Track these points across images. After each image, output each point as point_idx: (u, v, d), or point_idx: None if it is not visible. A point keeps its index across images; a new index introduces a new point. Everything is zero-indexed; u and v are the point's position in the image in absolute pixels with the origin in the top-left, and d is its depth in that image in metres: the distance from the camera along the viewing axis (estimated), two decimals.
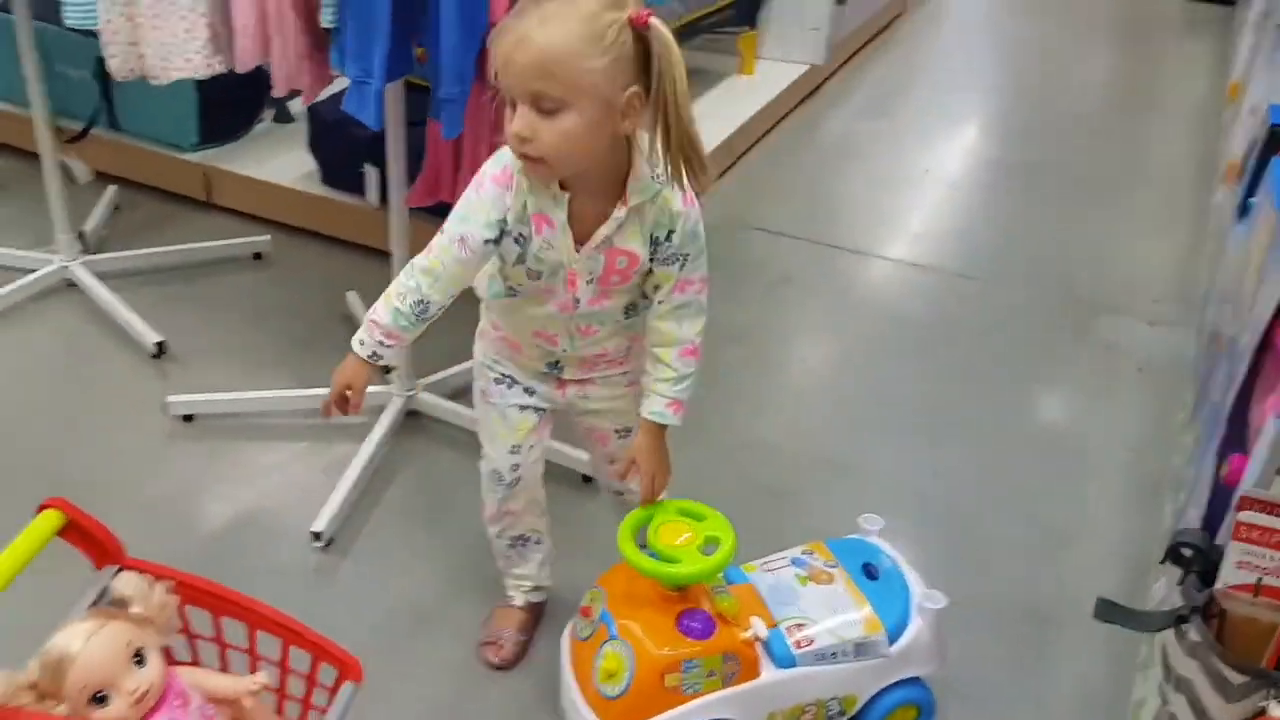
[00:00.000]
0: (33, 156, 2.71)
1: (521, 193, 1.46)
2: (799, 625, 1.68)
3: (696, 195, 1.47)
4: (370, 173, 2.89)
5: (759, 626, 1.64)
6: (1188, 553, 1.28)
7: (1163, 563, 1.29)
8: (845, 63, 4.47)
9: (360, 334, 1.57)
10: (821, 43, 4.06)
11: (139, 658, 1.30)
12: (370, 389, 2.34)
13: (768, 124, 3.83)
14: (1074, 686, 1.91)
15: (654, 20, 1.32)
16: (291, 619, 1.44)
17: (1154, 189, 3.78)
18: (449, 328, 2.62)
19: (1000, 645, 1.97)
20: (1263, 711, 1.18)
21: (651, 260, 1.51)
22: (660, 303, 1.56)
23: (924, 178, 3.64)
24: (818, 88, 4.23)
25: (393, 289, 1.54)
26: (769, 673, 1.64)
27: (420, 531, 2.14)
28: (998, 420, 2.54)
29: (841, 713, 1.71)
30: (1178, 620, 1.24)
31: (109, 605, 1.36)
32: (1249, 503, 1.21)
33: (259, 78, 3.21)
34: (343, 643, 1.42)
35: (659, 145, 1.37)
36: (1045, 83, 4.57)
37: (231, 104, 3.22)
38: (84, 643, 1.26)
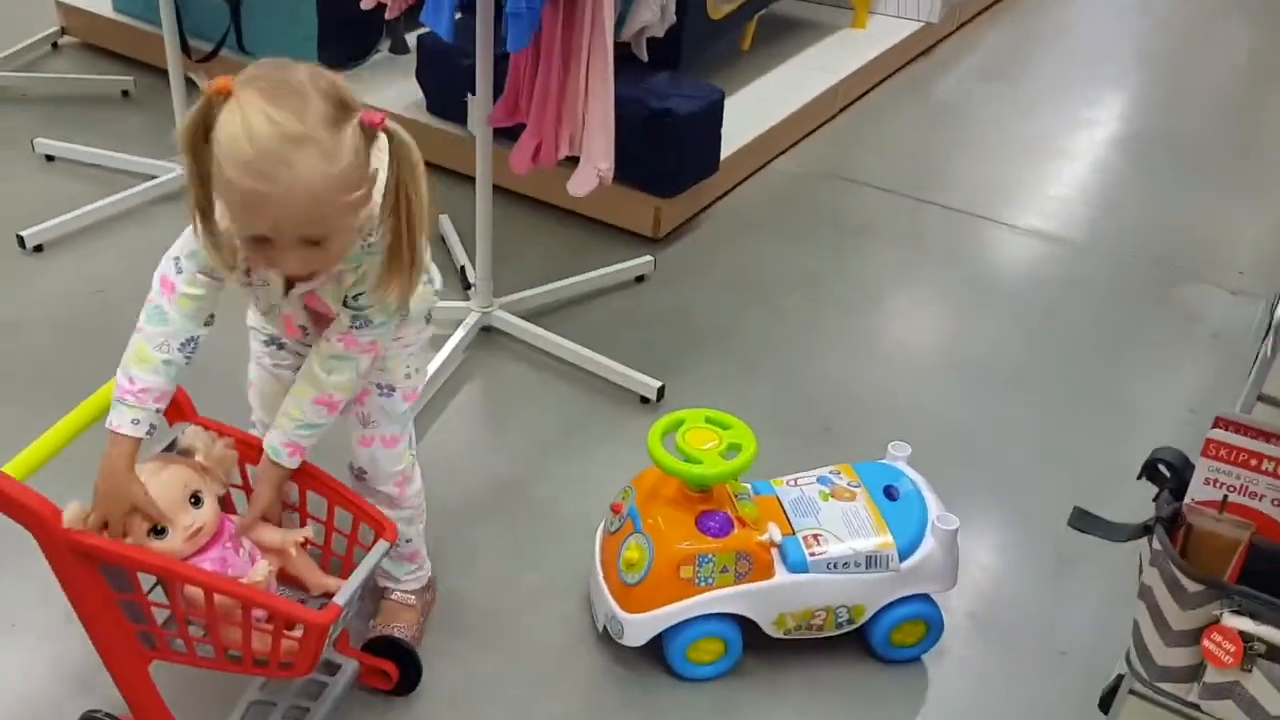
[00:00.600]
0: (164, 73, 2.93)
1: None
2: (815, 536, 1.77)
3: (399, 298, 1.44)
4: (472, 101, 3.01)
5: (775, 532, 1.74)
6: (1163, 469, 1.33)
7: (1139, 478, 1.35)
8: (963, 25, 4.43)
9: (124, 415, 1.40)
10: (938, 1, 4.05)
11: (196, 499, 1.46)
12: (450, 304, 2.55)
13: (873, 80, 3.85)
14: (1087, 619, 1.95)
15: (389, 123, 1.30)
16: (338, 482, 1.59)
17: (1268, 155, 3.68)
18: (526, 251, 2.80)
19: (1023, 579, 2.03)
20: (1216, 620, 1.23)
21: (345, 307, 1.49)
22: (325, 340, 1.51)
23: (1028, 143, 3.62)
24: (931, 48, 4.21)
25: (142, 346, 1.41)
26: (781, 575, 1.74)
27: (481, 431, 2.29)
28: (1061, 378, 2.56)
29: (850, 621, 1.80)
30: (1144, 530, 1.30)
31: (176, 454, 1.52)
32: (1222, 423, 1.26)
33: (377, 8, 3.44)
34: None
35: (384, 235, 1.37)
36: (1174, 58, 4.45)
37: (350, 30, 3.38)
38: (147, 479, 1.41)
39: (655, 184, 2.85)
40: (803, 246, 2.97)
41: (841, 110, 3.69)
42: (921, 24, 4.08)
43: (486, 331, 2.54)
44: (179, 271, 1.42)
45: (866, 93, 3.83)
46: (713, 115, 2.87)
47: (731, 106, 2.96)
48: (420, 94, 3.25)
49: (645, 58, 2.11)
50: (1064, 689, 1.82)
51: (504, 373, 2.46)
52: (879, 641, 1.82)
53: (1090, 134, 3.74)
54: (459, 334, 2.45)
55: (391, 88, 3.34)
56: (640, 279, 2.78)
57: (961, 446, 2.30)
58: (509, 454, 2.26)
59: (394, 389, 1.67)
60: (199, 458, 1.51)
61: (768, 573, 1.74)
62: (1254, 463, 1.25)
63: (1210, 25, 4.79)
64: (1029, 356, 2.63)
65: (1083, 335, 2.72)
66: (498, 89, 2.27)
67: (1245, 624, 1.21)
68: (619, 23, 1.97)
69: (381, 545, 1.52)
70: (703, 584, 1.72)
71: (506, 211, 2.90)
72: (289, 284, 1.46)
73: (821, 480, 1.87)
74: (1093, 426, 2.41)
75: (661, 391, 2.36)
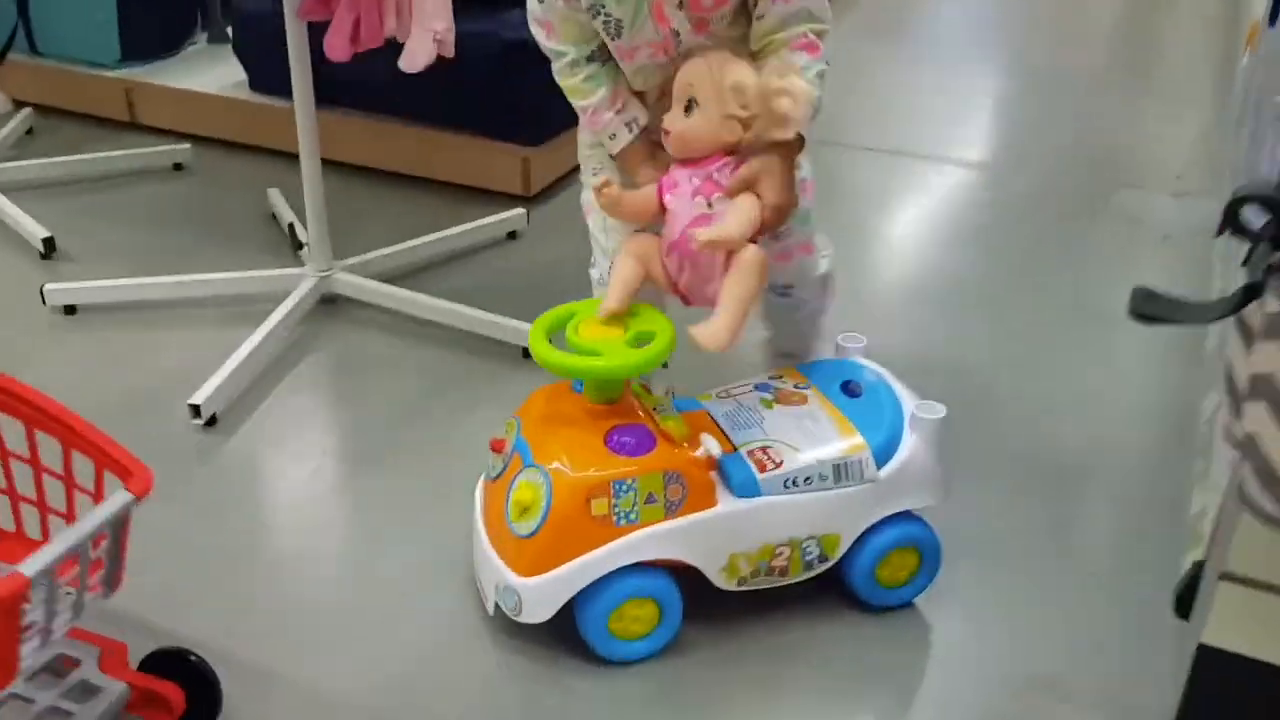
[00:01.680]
0: None
1: None
2: (764, 449, 1.33)
3: None
4: None
5: (711, 444, 1.29)
6: (1249, 217, 0.91)
7: (1218, 235, 0.93)
8: None
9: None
10: None
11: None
12: (277, 271, 2.07)
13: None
14: (1108, 538, 1.54)
15: None
16: (75, 417, 1.09)
17: (1176, 72, 3.56)
18: (373, 221, 2.33)
19: (1020, 499, 1.62)
20: None
21: None
22: (760, 18, 1.30)
23: (932, 89, 3.30)
24: None
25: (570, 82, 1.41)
26: (727, 503, 1.29)
27: (327, 409, 1.80)
28: (1019, 292, 2.19)
29: (823, 557, 1.35)
30: (1246, 295, 0.88)
31: None
32: None
33: None
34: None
35: None
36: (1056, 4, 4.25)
37: (157, 18, 2.91)
38: None
39: (519, 130, 2.42)
40: None
41: None
42: None
43: (328, 303, 2.05)
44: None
45: None
46: None
47: None
48: (242, 74, 2.77)
49: None
50: (1105, 618, 1.39)
51: (351, 342, 1.98)
52: (862, 582, 1.36)
53: (993, 76, 3.47)
54: (288, 304, 1.95)
55: (209, 73, 2.87)
56: (513, 235, 2.33)
57: (926, 372, 1.88)
58: (363, 428, 1.77)
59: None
60: None
61: (708, 499, 1.29)
62: None
63: None
64: (985, 277, 2.25)
65: (1034, 251, 2.37)
66: None
67: None
68: None
69: (121, 497, 1.02)
70: (622, 522, 1.26)
71: (349, 184, 2.47)
72: None
73: (760, 387, 1.44)
74: (1069, 338, 2.03)
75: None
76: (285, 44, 2.48)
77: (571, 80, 1.39)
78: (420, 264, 2.18)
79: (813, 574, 1.36)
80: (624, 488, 1.24)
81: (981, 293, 2.19)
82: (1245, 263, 0.93)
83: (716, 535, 1.29)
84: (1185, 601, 1.17)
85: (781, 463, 1.30)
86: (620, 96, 1.38)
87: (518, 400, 1.39)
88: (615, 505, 1.25)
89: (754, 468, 1.30)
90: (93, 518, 0.99)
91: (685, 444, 1.29)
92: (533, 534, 1.25)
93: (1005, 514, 1.57)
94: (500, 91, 2.36)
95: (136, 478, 1.03)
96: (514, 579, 1.27)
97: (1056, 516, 1.58)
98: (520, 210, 2.34)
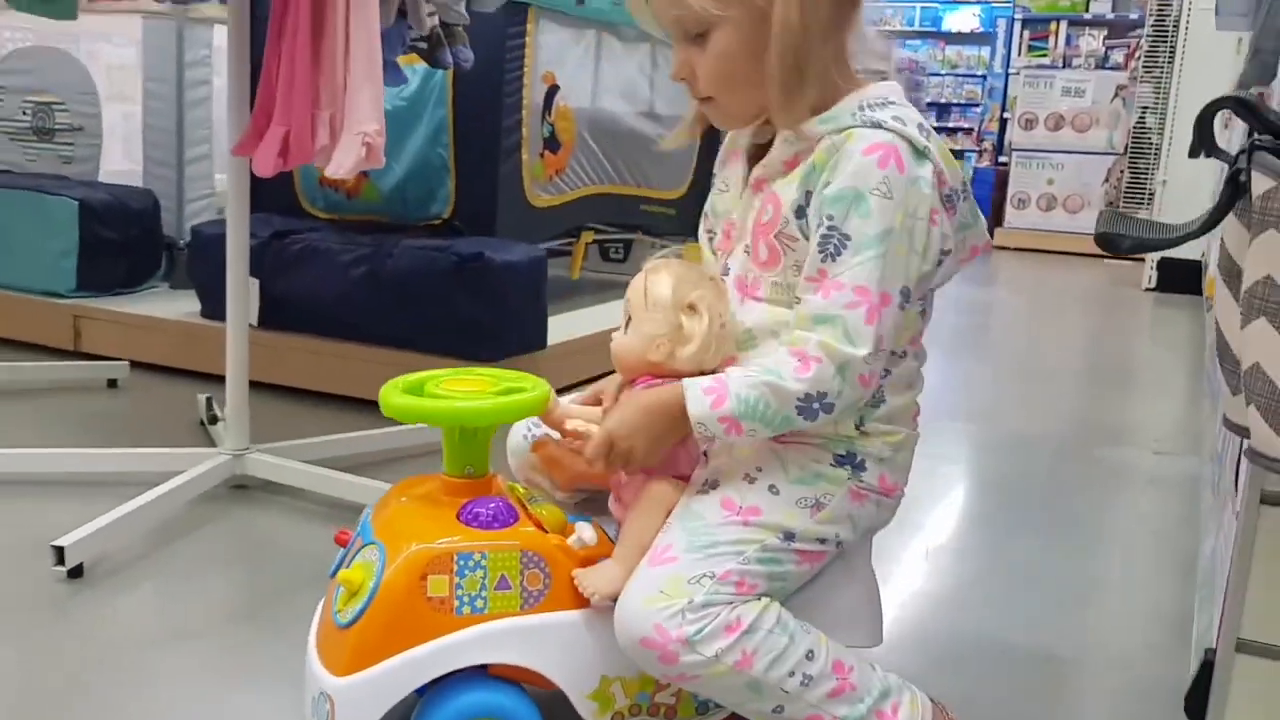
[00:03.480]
0: None
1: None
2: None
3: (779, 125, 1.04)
4: (251, 286, 2.48)
5: (586, 532, 1.06)
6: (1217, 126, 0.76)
7: (1194, 154, 0.78)
8: None
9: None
10: None
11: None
12: (186, 450, 1.88)
13: None
14: None
15: None
16: None
17: (1152, 367, 3.58)
18: (303, 425, 2.16)
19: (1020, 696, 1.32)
20: None
21: (799, 219, 1.03)
22: (797, 302, 1.02)
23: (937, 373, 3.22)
24: None
25: None
26: (603, 607, 1.03)
27: (204, 581, 1.55)
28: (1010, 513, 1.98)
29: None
30: (1234, 189, 0.71)
31: None
32: None
33: (152, 230, 2.95)
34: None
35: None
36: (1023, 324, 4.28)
37: (120, 255, 2.87)
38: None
39: (472, 345, 2.30)
40: None
41: None
42: None
43: (240, 489, 1.84)
44: None
45: None
46: (535, 272, 2.40)
47: (559, 325, 2.55)
48: (191, 307, 2.70)
49: (425, 29, 1.62)
50: None
51: (257, 524, 1.76)
52: None
53: (983, 365, 3.39)
54: (191, 474, 1.75)
55: (162, 302, 2.80)
56: None
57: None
58: (245, 598, 1.52)
59: (716, 485, 1.06)
60: None
61: (577, 598, 1.03)
62: None
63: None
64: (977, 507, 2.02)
65: (1023, 485, 2.16)
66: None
67: None
68: None
69: None
70: (465, 609, 1.00)
71: (290, 404, 2.31)
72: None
73: None
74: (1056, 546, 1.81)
75: None
76: None
77: None
78: (348, 462, 1.97)
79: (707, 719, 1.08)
80: (470, 564, 1.00)
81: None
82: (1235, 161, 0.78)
83: (584, 647, 1.03)
84: (1196, 697, 0.90)
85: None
86: None
87: None
88: (458, 586, 1.00)
89: None
90: None
91: (554, 530, 1.05)
92: (354, 620, 1.00)
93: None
94: (452, 306, 2.27)
95: None
96: (328, 681, 1.00)
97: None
98: None
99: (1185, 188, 5.22)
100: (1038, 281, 5.96)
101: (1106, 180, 7.09)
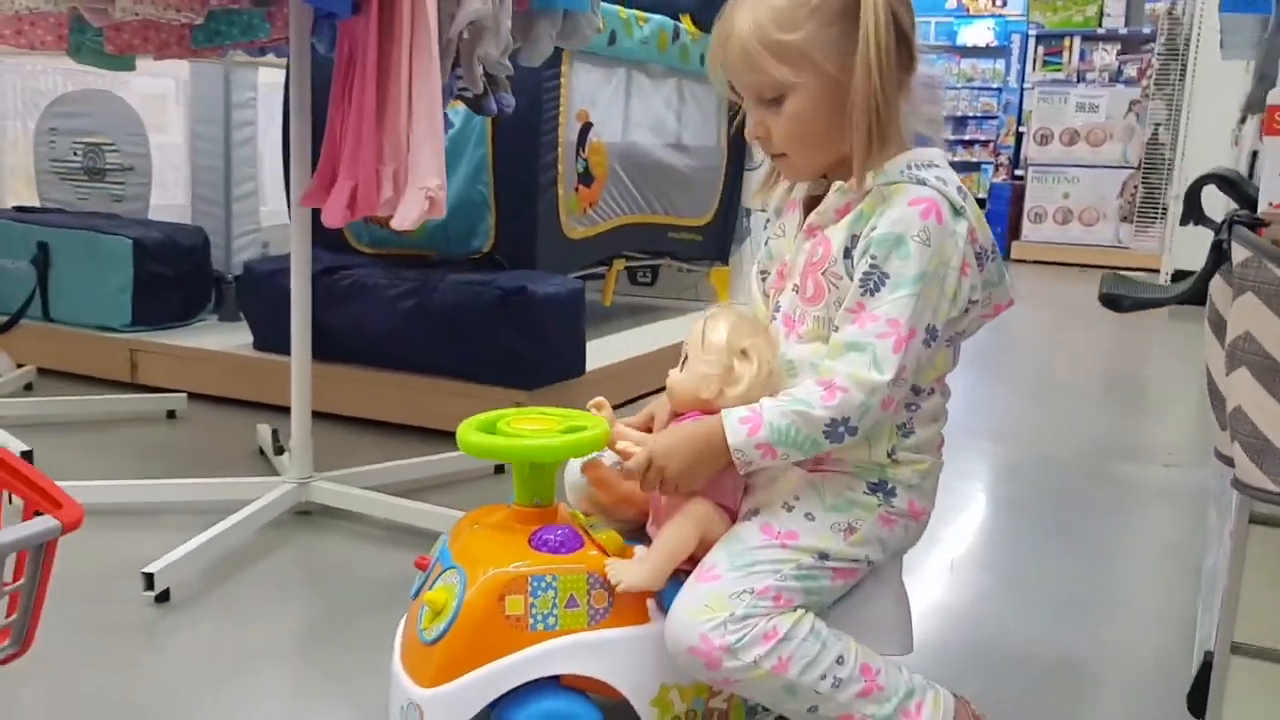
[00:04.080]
0: None
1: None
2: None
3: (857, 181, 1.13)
4: None
5: (643, 553, 1.16)
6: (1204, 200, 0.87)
7: (1184, 224, 0.88)
8: None
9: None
10: None
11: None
12: (254, 479, 2.00)
13: None
14: None
15: None
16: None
17: (1161, 385, 3.60)
18: (357, 451, 2.28)
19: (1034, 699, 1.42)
20: None
21: (846, 259, 1.13)
22: (834, 330, 1.13)
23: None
24: None
25: None
26: (661, 622, 1.14)
27: (282, 607, 1.67)
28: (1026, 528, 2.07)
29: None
30: (1216, 256, 0.82)
31: None
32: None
33: (202, 265, 3.08)
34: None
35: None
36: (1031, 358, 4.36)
37: (173, 290, 3.01)
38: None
39: (515, 376, 2.42)
40: None
41: None
42: None
43: (305, 514, 1.97)
44: None
45: None
46: (574, 303, 2.52)
47: (594, 350, 2.66)
48: (243, 339, 2.83)
49: (479, 88, 1.75)
50: None
51: (324, 548, 1.87)
52: None
53: (1001, 386, 3.48)
54: (261, 503, 1.87)
55: (213, 336, 2.93)
56: (500, 469, 2.26)
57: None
58: (325, 620, 1.63)
59: (757, 513, 1.17)
60: None
61: (639, 614, 1.14)
62: None
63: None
64: (1002, 534, 2.12)
65: (1039, 502, 2.26)
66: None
67: None
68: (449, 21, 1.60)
69: (46, 521, 0.93)
70: (539, 626, 1.11)
71: (341, 432, 2.43)
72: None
73: None
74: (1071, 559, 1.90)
75: None
76: (288, 304, 2.59)
77: None
78: (403, 486, 2.09)
79: None
80: (543, 585, 1.11)
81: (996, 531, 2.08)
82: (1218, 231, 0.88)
83: (645, 657, 1.14)
84: (1198, 696, 1.01)
85: None
86: None
87: None
88: (532, 605, 1.11)
89: None
90: (12, 532, 0.88)
91: (616, 552, 1.16)
92: (440, 637, 1.11)
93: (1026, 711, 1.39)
94: (497, 337, 2.38)
95: (67, 509, 0.93)
96: (416, 692, 1.11)
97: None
98: None
99: None
100: (1053, 295, 6.04)
101: (1121, 194, 7.18)
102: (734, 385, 1.16)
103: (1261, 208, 0.84)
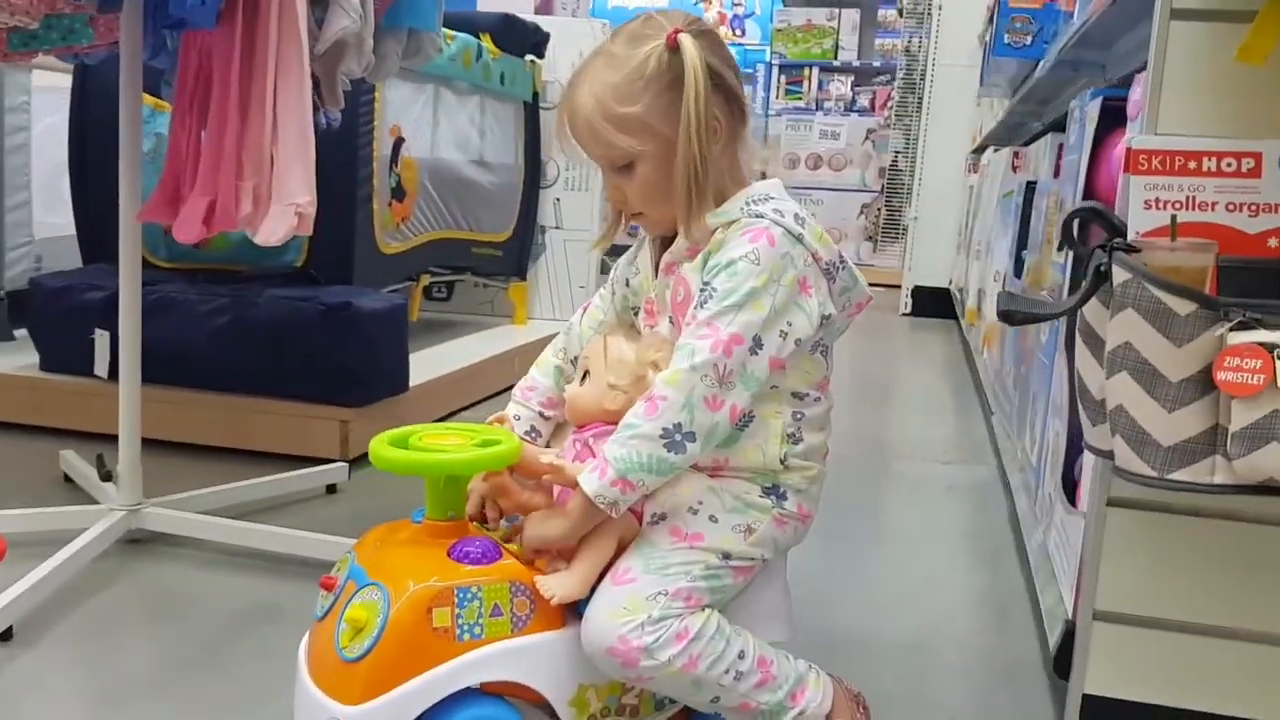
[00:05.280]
0: None
1: None
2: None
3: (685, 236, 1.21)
4: (101, 339, 2.46)
5: (557, 561, 1.19)
6: (1078, 230, 0.98)
7: (1060, 250, 0.99)
8: None
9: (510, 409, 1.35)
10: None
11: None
12: (76, 508, 1.87)
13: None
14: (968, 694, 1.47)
15: (680, 37, 1.18)
16: None
17: (926, 393, 3.81)
18: (179, 476, 2.17)
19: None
20: (1221, 344, 0.85)
21: (702, 293, 1.18)
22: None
23: None
24: None
25: (544, 354, 1.40)
26: (575, 625, 1.17)
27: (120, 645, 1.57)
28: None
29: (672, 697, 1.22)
30: (1097, 278, 0.93)
31: None
32: (1135, 153, 0.95)
33: None
34: None
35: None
36: None
37: None
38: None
39: (341, 393, 2.36)
40: None
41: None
42: None
43: (132, 544, 1.85)
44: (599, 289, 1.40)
45: None
46: (398, 318, 2.48)
47: (413, 365, 2.60)
48: (29, 356, 2.63)
49: (341, 104, 1.71)
50: None
51: (161, 578, 1.77)
52: None
53: None
54: (90, 535, 1.74)
55: None
56: (332, 489, 2.20)
57: None
58: (171, 652, 1.55)
59: (665, 517, 1.21)
60: None
61: (556, 619, 1.17)
62: (1192, 165, 0.93)
63: None
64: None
65: (844, 500, 2.38)
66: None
67: (1262, 335, 0.84)
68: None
69: None
70: (466, 636, 1.12)
71: (157, 457, 2.28)
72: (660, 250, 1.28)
73: None
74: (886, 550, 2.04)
75: None
76: (82, 321, 2.43)
77: (547, 356, 1.39)
78: (236, 509, 2.01)
79: (664, 714, 1.23)
80: (468, 596, 1.12)
81: None
82: (1075, 271, 1.00)
83: (563, 660, 1.17)
84: (1063, 659, 1.13)
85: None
86: (556, 406, 1.35)
87: None
88: (459, 616, 1.11)
89: None
90: None
91: (530, 561, 1.18)
92: (365, 654, 1.10)
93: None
94: (321, 353, 2.32)
95: None
96: (340, 710, 1.09)
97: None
98: (342, 464, 2.24)
99: (933, 225, 5.77)
100: None
101: (862, 214, 7.69)
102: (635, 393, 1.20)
103: (1131, 237, 0.97)
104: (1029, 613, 1.76)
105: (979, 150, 4.87)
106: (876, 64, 9.47)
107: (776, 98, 9.84)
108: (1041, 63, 2.23)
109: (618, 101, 1.18)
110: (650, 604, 1.13)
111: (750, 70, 12.82)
